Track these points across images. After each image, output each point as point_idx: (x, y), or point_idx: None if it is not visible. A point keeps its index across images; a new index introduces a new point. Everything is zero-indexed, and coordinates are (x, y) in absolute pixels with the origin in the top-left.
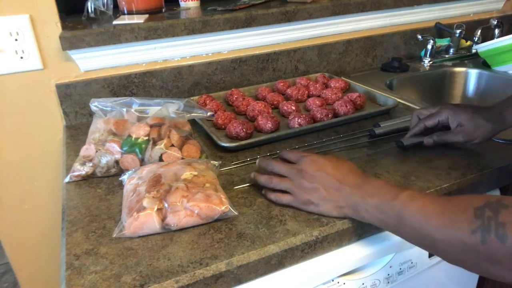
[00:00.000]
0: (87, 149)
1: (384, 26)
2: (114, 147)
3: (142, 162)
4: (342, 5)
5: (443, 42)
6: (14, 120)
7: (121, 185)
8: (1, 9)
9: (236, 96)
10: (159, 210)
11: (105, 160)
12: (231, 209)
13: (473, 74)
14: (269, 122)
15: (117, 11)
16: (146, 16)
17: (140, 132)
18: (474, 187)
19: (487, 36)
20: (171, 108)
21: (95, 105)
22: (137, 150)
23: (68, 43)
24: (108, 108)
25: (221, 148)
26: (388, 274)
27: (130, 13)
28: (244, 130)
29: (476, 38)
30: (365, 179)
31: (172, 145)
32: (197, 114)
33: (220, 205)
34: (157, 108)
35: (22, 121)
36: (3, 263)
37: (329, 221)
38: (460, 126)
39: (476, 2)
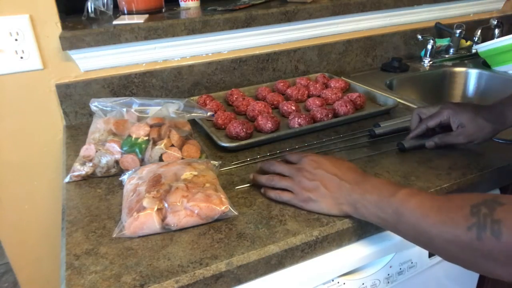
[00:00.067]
0: (87, 149)
1: (384, 26)
2: (114, 147)
3: (142, 162)
4: (342, 5)
5: (443, 42)
6: (14, 120)
7: (121, 185)
8: (1, 9)
9: (236, 96)
10: (159, 210)
11: (105, 160)
12: (231, 209)
13: (473, 74)
14: (269, 122)
15: (117, 11)
16: (146, 16)
17: (140, 132)
18: (474, 187)
19: (487, 36)
20: (171, 108)
21: (95, 105)
22: (137, 150)
23: (68, 43)
24: (108, 108)
25: (221, 148)
26: (388, 274)
27: (130, 13)
28: (244, 130)
29: (476, 38)
30: (365, 177)
31: (172, 145)
32: (197, 114)
33: (220, 205)
34: (157, 108)
35: (22, 121)
36: (3, 263)
37: (329, 221)
38: (461, 127)
39: (476, 2)
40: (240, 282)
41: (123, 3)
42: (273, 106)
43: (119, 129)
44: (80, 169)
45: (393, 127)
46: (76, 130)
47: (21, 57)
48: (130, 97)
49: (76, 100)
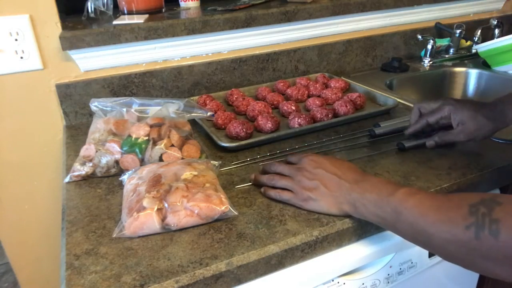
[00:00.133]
0: (87, 149)
1: (384, 26)
2: (114, 147)
3: (142, 162)
4: (342, 5)
5: (443, 42)
6: (14, 120)
7: (121, 185)
8: (1, 9)
9: (236, 96)
10: (159, 210)
11: (105, 160)
12: (231, 209)
13: (473, 74)
14: (269, 122)
15: (117, 11)
16: (146, 16)
17: (140, 132)
18: (474, 187)
19: (487, 36)
20: (171, 108)
21: (95, 105)
22: (137, 150)
23: (68, 43)
24: (108, 108)
25: (221, 148)
26: (388, 274)
27: (130, 13)
28: (244, 130)
29: (476, 38)
30: (364, 176)
31: (172, 145)
32: (197, 114)
33: (220, 205)
34: (157, 108)
35: (22, 121)
36: (3, 263)
37: (329, 221)
38: (462, 125)
39: (476, 2)
40: (240, 282)
41: (123, 3)
42: (273, 106)
43: (119, 129)
44: (80, 169)
45: (393, 127)
46: (76, 130)
47: (21, 57)
48: (130, 97)
49: (76, 100)
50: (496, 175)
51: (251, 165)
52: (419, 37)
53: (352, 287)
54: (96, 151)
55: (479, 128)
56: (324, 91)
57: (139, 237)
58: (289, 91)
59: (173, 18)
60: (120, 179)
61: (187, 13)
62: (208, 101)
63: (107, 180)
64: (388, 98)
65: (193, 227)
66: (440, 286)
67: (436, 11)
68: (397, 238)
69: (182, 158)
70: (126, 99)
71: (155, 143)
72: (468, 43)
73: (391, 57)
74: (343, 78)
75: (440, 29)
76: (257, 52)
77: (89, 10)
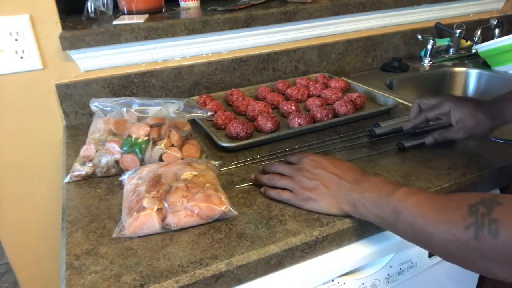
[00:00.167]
0: (87, 149)
1: (384, 26)
2: (114, 147)
3: (142, 162)
4: (342, 5)
5: (443, 42)
6: (14, 120)
7: (121, 185)
8: (1, 9)
9: (236, 96)
10: (159, 210)
11: (105, 160)
12: (231, 209)
13: (473, 74)
14: (269, 122)
15: (117, 11)
16: (146, 16)
17: (140, 132)
18: (474, 187)
19: (487, 36)
20: (171, 108)
21: (95, 105)
22: (137, 150)
23: (68, 43)
24: (108, 108)
25: (221, 148)
26: (388, 274)
27: (130, 13)
28: (244, 130)
29: (476, 38)
30: (364, 176)
31: (172, 145)
32: (197, 114)
33: (220, 205)
34: (157, 108)
35: (22, 121)
36: (3, 263)
37: (329, 221)
38: (461, 122)
39: (476, 2)
40: (240, 282)
41: (123, 3)
42: (273, 106)
43: (119, 129)
44: (80, 169)
45: (393, 127)
46: (76, 130)
47: (21, 57)
48: (130, 97)
49: (76, 100)
50: (496, 175)
51: (251, 165)
52: (419, 37)
53: (352, 287)
54: (96, 151)
55: (478, 125)
56: (324, 91)
57: (139, 237)
58: (289, 91)
59: (173, 18)
60: (120, 179)
61: (187, 13)
62: (208, 101)
63: (107, 180)
64: (388, 98)
65: (193, 227)
66: (440, 286)
67: (436, 11)
68: (397, 238)
69: (182, 158)
70: (126, 99)
71: (155, 143)
72: (468, 43)
73: (391, 57)
74: (343, 78)
75: (440, 29)
76: (257, 52)
77: (89, 10)
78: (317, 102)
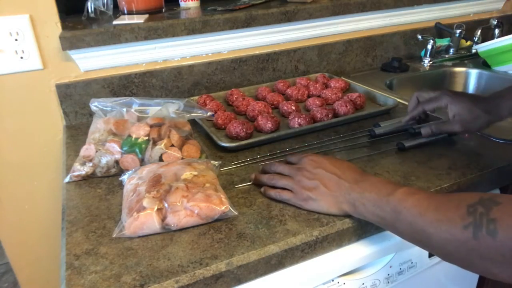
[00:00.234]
0: (87, 149)
1: (384, 26)
2: (114, 147)
3: (142, 162)
4: (342, 5)
5: (443, 42)
6: (14, 120)
7: (121, 185)
8: (1, 9)
9: (236, 96)
10: (159, 210)
11: (105, 160)
12: (231, 209)
13: (473, 74)
14: (269, 122)
15: (117, 11)
16: (146, 16)
17: (140, 132)
18: (474, 187)
19: (487, 36)
20: (171, 108)
21: (95, 105)
22: (137, 150)
23: (68, 43)
24: (108, 108)
25: (221, 148)
26: (388, 274)
27: (130, 13)
28: (244, 130)
29: (476, 38)
30: (364, 176)
31: (172, 145)
32: (197, 114)
33: (220, 205)
34: (157, 108)
35: (22, 121)
36: (3, 263)
37: (329, 221)
38: (458, 116)
39: (476, 2)
40: (240, 282)
41: (123, 3)
42: (273, 106)
43: (119, 129)
44: (80, 169)
45: (393, 127)
46: (76, 130)
47: (21, 57)
48: (130, 97)
49: (76, 100)
50: (496, 175)
51: (251, 165)
52: (419, 37)
53: (352, 287)
54: (96, 151)
55: (475, 119)
56: (324, 91)
57: (139, 237)
58: (289, 91)
59: (173, 18)
60: (120, 179)
61: (187, 13)
62: (208, 101)
63: (107, 180)
64: (388, 98)
65: (193, 227)
66: (440, 286)
67: (436, 11)
68: (397, 238)
69: (182, 158)
70: (126, 99)
71: (155, 143)
72: (468, 43)
73: (391, 57)
74: (343, 78)
75: (440, 29)
76: (257, 52)
77: (89, 10)
78: (317, 102)
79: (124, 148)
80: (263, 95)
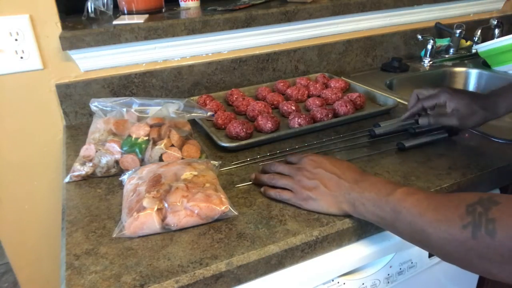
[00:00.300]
0: (87, 149)
1: (384, 26)
2: (114, 147)
3: (142, 162)
4: (342, 5)
5: (443, 42)
6: (14, 120)
7: (121, 185)
8: (1, 9)
9: (236, 96)
10: (159, 210)
11: (105, 160)
12: (231, 209)
13: (473, 74)
14: (269, 122)
15: (117, 11)
16: (146, 16)
17: (140, 132)
18: (474, 187)
19: (487, 36)
20: (171, 108)
21: (95, 105)
22: (137, 150)
23: (68, 43)
24: (108, 108)
25: (221, 148)
26: (388, 274)
27: (130, 13)
28: (244, 130)
29: (476, 38)
30: (364, 176)
31: (172, 145)
32: (197, 114)
33: (220, 205)
34: (157, 108)
35: (22, 121)
36: (3, 263)
37: (329, 221)
38: (456, 111)
39: (476, 2)
40: (240, 282)
41: (123, 3)
42: (273, 106)
43: (119, 129)
44: (80, 169)
45: (393, 127)
46: (76, 130)
47: (21, 57)
48: (130, 97)
49: (76, 100)
50: (496, 175)
51: (251, 165)
52: (419, 37)
53: (352, 287)
54: (96, 151)
55: (472, 115)
56: (324, 91)
57: (139, 237)
58: (289, 91)
59: (173, 18)
60: (120, 179)
61: (187, 13)
62: (208, 101)
63: (107, 180)
64: (388, 98)
65: (193, 227)
66: (440, 286)
67: (436, 11)
68: (397, 238)
69: (182, 158)
70: (126, 99)
71: (155, 143)
72: (468, 43)
73: (391, 57)
74: (343, 78)
75: (440, 29)
76: (257, 52)
77: (89, 10)
78: (317, 102)
79: (124, 148)
80: (263, 95)
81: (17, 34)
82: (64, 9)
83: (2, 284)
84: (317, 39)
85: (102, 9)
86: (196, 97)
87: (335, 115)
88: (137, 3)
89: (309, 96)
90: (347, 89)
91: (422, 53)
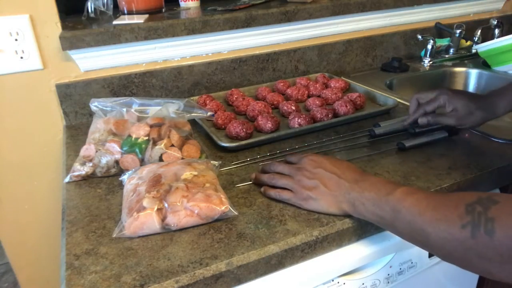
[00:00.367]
0: (87, 149)
1: (384, 26)
2: (114, 147)
3: (142, 162)
4: (342, 5)
5: (443, 42)
6: (14, 120)
7: (121, 185)
8: (1, 9)
9: (236, 96)
10: (159, 210)
11: (105, 160)
12: (231, 209)
13: (473, 74)
14: (269, 122)
15: (117, 11)
16: (146, 16)
17: (140, 132)
18: (474, 187)
19: (487, 36)
20: (171, 108)
21: (95, 105)
22: (137, 150)
23: (68, 43)
24: (108, 108)
25: (221, 148)
26: (388, 274)
27: (130, 13)
28: (244, 130)
29: (476, 38)
30: (363, 175)
31: (172, 145)
32: (197, 114)
33: (220, 205)
34: (157, 108)
35: (22, 121)
36: (3, 263)
37: (329, 221)
38: (455, 111)
39: (476, 2)
40: (240, 282)
41: (123, 3)
42: (273, 106)
43: (119, 129)
44: (80, 169)
45: (393, 127)
46: (76, 130)
47: (21, 57)
48: (130, 97)
49: (76, 100)
50: (496, 175)
51: (251, 165)
52: (419, 37)
53: (352, 287)
54: (96, 151)
55: (470, 115)
56: (324, 91)
57: (139, 237)
58: (289, 91)
59: (173, 18)
60: (120, 179)
61: (187, 13)
62: (208, 101)
63: (107, 180)
64: (388, 98)
65: (193, 227)
66: (440, 286)
67: (436, 11)
68: (397, 238)
69: (182, 158)
70: (126, 99)
71: (155, 143)
72: (468, 43)
73: (391, 57)
74: (343, 78)
75: (440, 29)
76: (257, 52)
77: (89, 10)
78: (317, 102)
79: (124, 148)
80: (263, 95)
81: (17, 34)
82: (64, 9)
83: (2, 284)
84: (317, 39)
85: (102, 9)
86: (196, 97)
87: (335, 115)
88: (137, 3)
89: (309, 96)
90: (347, 89)
91: (422, 53)
